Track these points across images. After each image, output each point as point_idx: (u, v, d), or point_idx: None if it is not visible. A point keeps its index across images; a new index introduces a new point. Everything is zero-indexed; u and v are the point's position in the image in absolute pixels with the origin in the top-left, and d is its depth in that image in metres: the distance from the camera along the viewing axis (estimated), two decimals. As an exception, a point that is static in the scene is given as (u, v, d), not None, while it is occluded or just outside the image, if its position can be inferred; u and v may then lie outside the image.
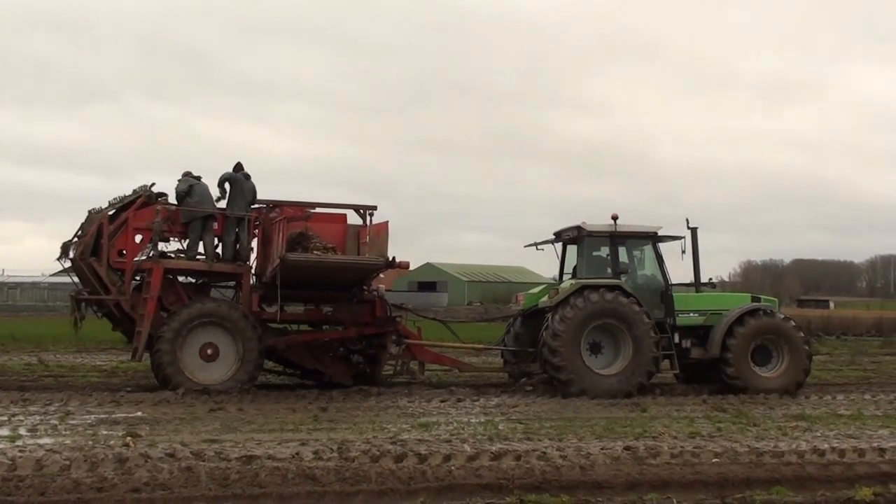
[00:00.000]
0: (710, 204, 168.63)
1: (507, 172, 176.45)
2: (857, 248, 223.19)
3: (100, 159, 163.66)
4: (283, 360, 18.26)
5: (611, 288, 16.95)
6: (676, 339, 17.51)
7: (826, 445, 11.13)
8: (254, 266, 17.49)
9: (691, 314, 17.80)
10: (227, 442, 10.88)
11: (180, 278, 17.29)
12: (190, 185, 17.10)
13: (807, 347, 17.67)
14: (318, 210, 17.60)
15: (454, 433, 11.98)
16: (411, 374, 18.16)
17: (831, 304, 59.49)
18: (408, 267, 17.38)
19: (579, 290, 16.86)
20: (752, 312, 17.56)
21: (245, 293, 17.10)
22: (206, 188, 17.30)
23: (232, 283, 17.90)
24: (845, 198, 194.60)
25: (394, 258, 16.51)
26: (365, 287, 17.79)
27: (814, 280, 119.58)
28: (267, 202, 17.51)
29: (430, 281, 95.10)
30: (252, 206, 17.46)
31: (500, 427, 12.66)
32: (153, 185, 17.17)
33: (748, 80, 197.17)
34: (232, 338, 16.37)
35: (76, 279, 17.17)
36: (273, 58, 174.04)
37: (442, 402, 15.47)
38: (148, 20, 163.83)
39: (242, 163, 17.64)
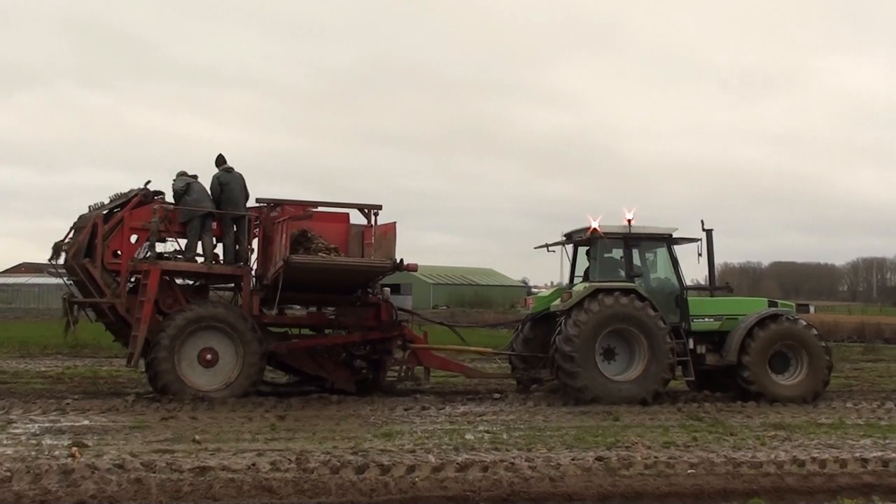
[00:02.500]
0: (681, 202, 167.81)
1: (467, 167, 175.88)
2: (837, 250, 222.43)
3: (30, 151, 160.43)
4: (283, 366, 17.99)
5: (625, 292, 16.59)
6: (691, 345, 17.15)
7: (806, 455, 10.93)
8: (254, 268, 17.14)
9: (706, 319, 17.46)
10: (180, 452, 10.57)
11: (178, 280, 16.98)
12: (187, 184, 16.77)
13: (827, 357, 17.24)
14: (319, 209, 17.29)
15: (418, 443, 11.67)
16: (416, 380, 17.85)
17: (812, 309, 59.69)
18: (416, 269, 16.94)
19: (593, 294, 16.50)
20: (771, 318, 17.23)
21: (245, 296, 16.77)
22: (203, 187, 16.97)
23: (230, 286, 17.64)
24: (824, 196, 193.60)
25: (401, 260, 16.22)
26: (370, 290, 17.52)
27: (793, 283, 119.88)
28: (267, 201, 17.19)
29: (393, 283, 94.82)
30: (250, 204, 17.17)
31: (467, 437, 12.37)
32: (149, 182, 16.86)
33: (719, 69, 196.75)
34: (232, 342, 16.02)
35: (68, 281, 16.87)
36: (214, 43, 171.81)
37: (406, 410, 15.08)
38: (77, 1, 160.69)
39: (224, 155, 17.38)
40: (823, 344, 17.38)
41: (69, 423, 12.97)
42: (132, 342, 15.84)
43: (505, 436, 12.48)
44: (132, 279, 16.40)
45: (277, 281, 15.70)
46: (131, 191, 16.64)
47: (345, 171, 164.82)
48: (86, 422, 13.19)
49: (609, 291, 16.50)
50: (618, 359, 16.75)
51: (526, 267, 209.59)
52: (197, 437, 11.28)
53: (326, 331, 17.58)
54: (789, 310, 17.91)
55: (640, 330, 16.43)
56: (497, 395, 17.02)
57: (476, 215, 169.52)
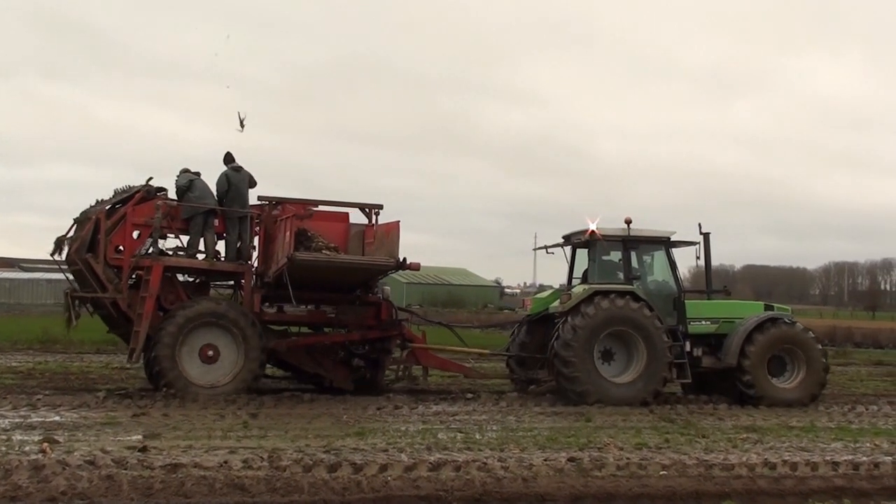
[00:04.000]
0: (652, 203, 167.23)
1: (438, 166, 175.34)
2: (809, 254, 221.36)
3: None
4: (282, 364, 17.97)
5: (624, 294, 16.63)
6: (688, 348, 17.17)
7: (777, 458, 10.99)
8: (255, 265, 17.14)
9: (703, 322, 17.47)
10: (152, 449, 10.53)
11: (179, 277, 16.99)
12: (190, 180, 16.79)
13: (823, 360, 17.34)
14: (319, 208, 17.31)
15: (391, 442, 11.62)
16: (413, 379, 17.86)
17: (783, 313, 60.05)
18: (418, 268, 16.91)
19: (592, 296, 16.54)
20: (770, 321, 17.29)
21: (247, 293, 16.80)
22: (206, 184, 17.01)
23: (230, 283, 17.73)
24: (797, 200, 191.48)
25: (404, 259, 16.23)
26: (371, 290, 17.55)
27: (766, 287, 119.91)
28: (269, 199, 17.21)
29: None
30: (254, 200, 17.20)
31: (440, 436, 12.31)
32: (151, 179, 16.90)
33: (691, 70, 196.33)
34: (233, 339, 16.02)
35: (70, 276, 16.89)
36: (182, 36, 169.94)
37: (379, 409, 15.04)
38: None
39: (232, 153, 17.36)
40: (820, 346, 17.48)
41: (40, 419, 12.89)
42: (134, 337, 15.84)
43: (478, 436, 12.46)
44: (133, 275, 16.38)
45: (280, 279, 15.65)
46: (134, 187, 16.65)
47: (316, 169, 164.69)
48: (57, 417, 13.11)
49: (608, 294, 16.55)
50: (616, 361, 16.80)
51: (498, 267, 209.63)
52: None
53: (326, 329, 17.58)
54: (785, 313, 17.97)
55: (638, 332, 16.48)
56: (470, 395, 17.00)
57: (448, 215, 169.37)
